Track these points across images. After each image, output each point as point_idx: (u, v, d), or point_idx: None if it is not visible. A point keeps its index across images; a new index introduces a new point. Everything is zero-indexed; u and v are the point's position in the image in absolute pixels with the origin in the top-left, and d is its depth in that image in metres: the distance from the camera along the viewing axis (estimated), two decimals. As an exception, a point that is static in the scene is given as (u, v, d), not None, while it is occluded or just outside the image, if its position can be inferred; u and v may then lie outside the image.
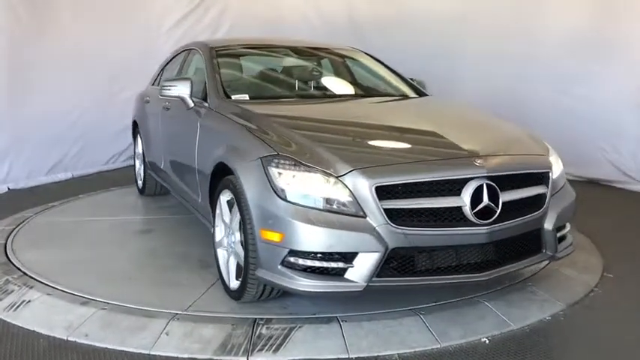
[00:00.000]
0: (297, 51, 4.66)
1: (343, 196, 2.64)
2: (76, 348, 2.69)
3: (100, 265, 3.65)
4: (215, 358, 2.61)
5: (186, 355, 2.62)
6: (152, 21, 6.97)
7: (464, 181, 2.72)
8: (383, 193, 2.64)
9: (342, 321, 2.87)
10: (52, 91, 6.03)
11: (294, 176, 2.70)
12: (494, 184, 2.74)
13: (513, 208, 2.85)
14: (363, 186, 2.63)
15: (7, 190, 5.56)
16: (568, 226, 3.25)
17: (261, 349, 2.65)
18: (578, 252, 3.89)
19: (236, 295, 3.03)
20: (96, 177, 6.40)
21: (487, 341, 2.78)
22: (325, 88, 4.36)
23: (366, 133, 3.25)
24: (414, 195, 2.69)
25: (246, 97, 3.78)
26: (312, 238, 2.62)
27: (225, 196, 3.14)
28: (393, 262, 2.68)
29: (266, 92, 4.23)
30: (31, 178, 5.87)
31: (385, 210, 2.62)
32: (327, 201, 2.65)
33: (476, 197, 2.70)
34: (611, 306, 3.18)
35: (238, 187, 2.89)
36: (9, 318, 2.95)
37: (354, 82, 4.52)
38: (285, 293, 2.99)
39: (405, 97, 4.20)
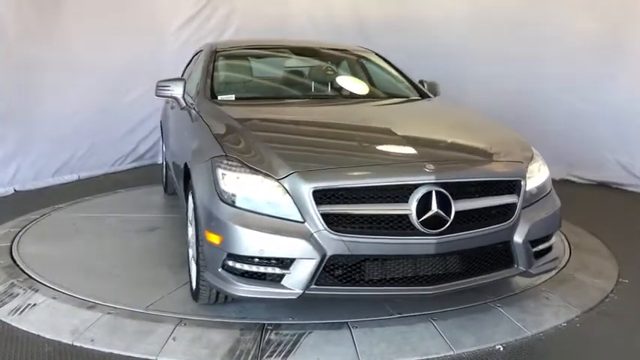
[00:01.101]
0: (300, 52, 4.64)
1: (282, 200, 2.56)
2: (82, 353, 2.64)
3: (89, 262, 3.67)
4: (223, 364, 2.56)
5: (193, 362, 2.57)
6: (160, 22, 6.94)
7: (413, 187, 2.56)
8: (321, 197, 2.53)
9: (353, 327, 2.81)
10: (59, 93, 6.00)
11: (237, 178, 2.65)
12: (445, 192, 2.56)
13: (472, 219, 2.67)
14: (301, 189, 2.53)
15: (13, 191, 5.53)
16: (552, 240, 3.04)
17: (270, 355, 2.60)
18: (592, 256, 3.85)
19: (194, 295, 3.01)
20: (102, 179, 6.37)
21: (502, 348, 2.71)
22: (319, 90, 4.31)
23: (331, 135, 3.19)
24: (356, 200, 2.56)
25: (232, 97, 3.75)
26: (248, 242, 2.55)
27: (190, 197, 3.12)
28: (336, 270, 2.58)
29: (255, 93, 4.21)
30: (38, 180, 5.84)
31: (323, 215, 2.52)
32: (267, 204, 2.58)
33: (424, 205, 2.53)
34: (628, 312, 3.10)
35: (193, 188, 2.91)
36: (14, 322, 2.91)
37: (352, 83, 4.45)
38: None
39: (404, 99, 4.12)
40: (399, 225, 2.56)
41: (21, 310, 3.02)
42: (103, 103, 6.40)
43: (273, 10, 7.07)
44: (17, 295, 3.18)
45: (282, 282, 2.57)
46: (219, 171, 2.69)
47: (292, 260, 2.53)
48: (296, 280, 2.54)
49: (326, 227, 2.51)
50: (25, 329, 2.84)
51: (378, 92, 4.33)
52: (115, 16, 6.44)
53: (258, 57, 4.68)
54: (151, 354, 2.61)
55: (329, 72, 4.51)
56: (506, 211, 2.78)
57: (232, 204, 2.62)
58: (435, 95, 4.22)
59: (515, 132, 3.36)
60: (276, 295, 2.60)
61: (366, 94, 4.27)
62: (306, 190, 2.52)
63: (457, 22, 6.48)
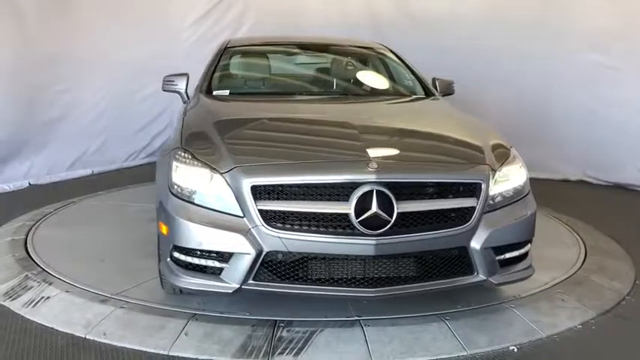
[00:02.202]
0: (308, 49, 4.65)
1: (225, 194, 2.58)
2: (95, 347, 2.65)
3: (103, 255, 3.68)
4: (235, 360, 2.55)
5: (205, 357, 2.56)
6: (174, 19, 6.94)
7: (355, 186, 2.50)
8: (259, 193, 2.54)
9: (365, 325, 2.80)
10: (74, 89, 6.03)
11: (187, 170, 2.71)
12: (387, 192, 2.49)
13: (421, 221, 2.58)
14: (241, 185, 2.54)
15: (28, 185, 5.57)
16: (524, 248, 2.86)
17: (281, 353, 2.59)
18: (608, 258, 3.80)
19: (161, 284, 3.06)
20: (115, 174, 6.40)
21: (515, 349, 2.68)
22: (316, 86, 4.34)
23: (295, 131, 3.22)
24: (295, 197, 2.55)
25: (226, 92, 3.85)
26: (189, 234, 2.60)
27: None
28: (275, 267, 2.58)
29: (251, 89, 4.24)
30: (52, 174, 5.87)
31: (261, 211, 2.52)
32: (211, 198, 2.61)
33: (365, 204, 2.47)
34: (645, 315, 3.06)
35: (155, 178, 3.01)
36: (28, 314, 2.92)
37: (351, 81, 4.43)
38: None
39: (402, 97, 4.08)
40: (339, 224, 2.51)
41: (35, 302, 3.03)
42: (117, 99, 6.42)
43: (287, 7, 7.05)
44: (31, 287, 3.20)
45: (221, 275, 2.59)
46: (174, 163, 2.76)
47: (231, 254, 2.55)
48: (233, 274, 2.56)
49: (263, 223, 2.52)
50: (38, 322, 2.85)
51: (377, 90, 4.28)
52: (130, 12, 6.46)
53: (264, 53, 4.69)
54: (163, 349, 2.61)
55: (333, 69, 4.53)
56: (464, 214, 2.64)
57: (179, 196, 2.68)
58: (450, 94, 4.17)
59: (497, 134, 3.16)
60: (215, 288, 2.62)
61: (363, 92, 4.24)
62: (246, 185, 2.54)
63: (473, 20, 6.41)
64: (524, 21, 6.23)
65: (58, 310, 2.96)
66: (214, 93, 3.81)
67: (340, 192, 2.52)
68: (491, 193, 2.70)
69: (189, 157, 2.74)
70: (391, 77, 4.40)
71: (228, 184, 2.57)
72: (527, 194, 2.93)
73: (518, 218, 2.79)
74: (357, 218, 2.47)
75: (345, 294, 2.62)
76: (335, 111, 3.60)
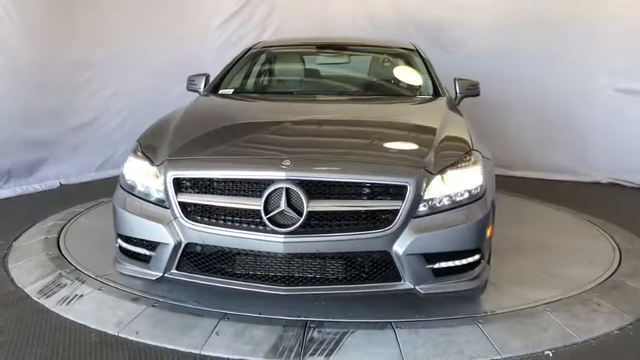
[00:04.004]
0: (329, 48, 4.69)
1: (157, 186, 2.70)
2: (127, 345, 2.67)
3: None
4: (266, 360, 2.55)
5: (237, 357, 2.56)
6: (201, 20, 6.98)
7: (268, 183, 2.51)
8: (181, 186, 2.63)
9: (397, 327, 2.77)
10: (103, 90, 6.11)
11: (134, 163, 2.87)
12: (297, 190, 2.47)
13: (337, 222, 2.52)
14: (167, 177, 2.66)
15: (59, 185, 5.67)
16: (471, 258, 2.66)
17: (313, 354, 2.57)
18: (645, 262, 3.70)
19: None
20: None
21: (550, 354, 2.63)
22: (320, 87, 4.41)
23: (248, 128, 3.27)
24: (212, 192, 2.61)
25: (230, 91, 4.01)
26: (123, 223, 2.79)
27: None
28: (198, 259, 2.64)
29: (257, 88, 4.33)
30: (82, 174, 5.96)
31: (180, 203, 2.61)
32: (146, 189, 2.75)
33: (276, 202, 2.48)
34: (685, 321, 2.97)
35: None
36: (62, 312, 2.96)
37: (357, 81, 4.44)
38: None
39: (405, 97, 4.05)
40: (251, 220, 2.54)
41: (68, 300, 3.07)
42: (145, 100, 6.48)
43: (314, 8, 7.05)
44: (65, 285, 3.24)
45: (150, 263, 2.72)
46: (129, 156, 2.93)
47: (157, 244, 2.66)
48: (158, 263, 2.67)
49: (181, 215, 2.60)
50: (72, 319, 2.89)
51: (380, 90, 4.26)
52: (158, 15, 6.52)
53: (284, 54, 4.75)
54: (195, 348, 2.62)
55: (338, 70, 4.58)
56: (387, 218, 2.53)
57: (124, 187, 2.88)
58: (474, 95, 4.08)
59: (466, 137, 2.96)
60: (143, 275, 2.75)
61: (362, 93, 4.20)
62: (169, 177, 2.65)
63: (500, 19, 6.32)
64: (551, 22, 6.13)
65: (90, 308, 3.00)
66: (220, 92, 4.01)
67: (255, 188, 2.55)
68: (427, 196, 2.57)
69: (139, 150, 2.92)
70: (402, 77, 4.38)
71: (160, 177, 2.69)
72: (478, 200, 2.67)
73: (454, 225, 2.59)
74: (266, 215, 2.48)
75: (260, 290, 2.61)
76: (310, 111, 3.64)
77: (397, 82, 4.40)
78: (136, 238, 2.75)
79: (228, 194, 2.59)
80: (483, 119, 6.16)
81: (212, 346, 2.63)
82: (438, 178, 2.61)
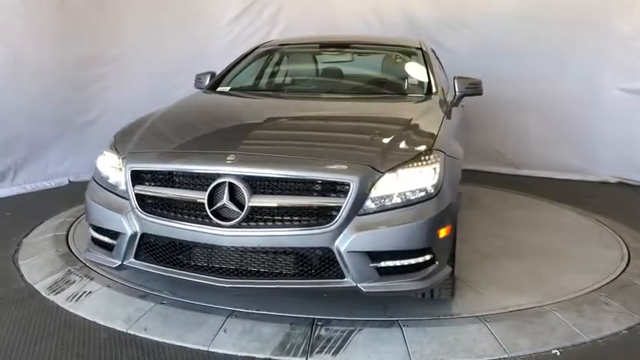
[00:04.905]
0: (332, 46, 4.72)
1: (120, 178, 2.80)
2: (136, 341, 2.69)
3: None
4: (274, 357, 2.56)
5: (244, 354, 2.58)
6: (209, 19, 6.99)
7: (215, 177, 2.56)
8: (137, 178, 2.74)
9: (404, 325, 2.77)
10: (112, 89, 6.13)
11: (106, 156, 2.97)
12: (239, 184, 2.50)
13: (280, 217, 2.52)
14: (127, 169, 2.76)
15: (67, 182, 5.71)
16: (421, 258, 2.59)
17: (320, 351, 2.59)
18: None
19: None
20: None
21: (558, 353, 2.63)
22: (311, 85, 4.47)
23: (217, 124, 3.34)
24: (165, 184, 2.70)
25: (227, 88, 4.11)
26: (90, 213, 2.94)
27: None
28: (153, 249, 2.72)
29: (248, 86, 4.36)
30: (91, 172, 5.93)
31: (137, 195, 2.70)
32: (112, 181, 2.87)
33: (220, 196, 2.53)
34: (694, 321, 2.95)
35: None
36: (71, 308, 2.99)
37: (355, 80, 4.44)
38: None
39: (394, 96, 4.01)
40: (198, 213, 2.59)
41: (77, 296, 3.10)
42: (154, 98, 6.49)
43: (321, 7, 7.04)
44: (74, 282, 3.27)
45: (112, 251, 2.81)
46: (104, 150, 3.02)
47: (118, 233, 2.76)
48: (118, 251, 2.77)
49: (137, 206, 2.69)
50: (81, 315, 2.91)
51: (371, 88, 4.26)
52: (166, 13, 6.54)
53: (287, 53, 4.75)
54: (203, 345, 2.64)
55: (335, 69, 4.57)
56: (330, 215, 2.50)
57: (96, 179, 3.00)
58: (477, 94, 4.01)
59: (428, 135, 2.88)
60: (105, 262, 2.87)
61: (352, 91, 4.20)
62: (128, 169, 2.75)
63: (510, 18, 6.29)
64: (562, 19, 6.09)
65: (99, 305, 3.03)
66: (218, 89, 4.10)
67: (203, 182, 2.60)
68: (374, 194, 2.54)
69: (112, 144, 3.02)
70: (395, 76, 4.37)
71: (124, 169, 2.78)
72: (429, 200, 2.59)
73: (400, 224, 2.53)
74: (210, 208, 2.52)
75: (205, 282, 2.62)
76: (286, 109, 3.69)
77: (388, 80, 4.39)
78: (102, 228, 2.87)
79: (178, 187, 2.68)
80: (490, 117, 6.18)
81: (220, 343, 2.64)
82: (387, 176, 2.57)
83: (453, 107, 3.77)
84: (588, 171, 6.17)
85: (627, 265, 3.62)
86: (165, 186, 2.70)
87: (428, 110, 3.38)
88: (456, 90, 3.85)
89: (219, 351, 2.60)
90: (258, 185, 2.53)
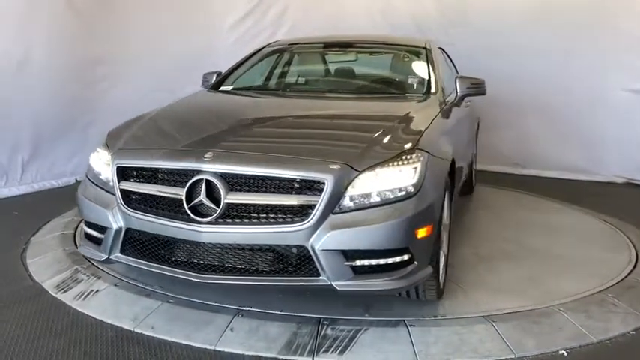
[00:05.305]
0: (333, 46, 4.75)
1: (109, 174, 2.86)
2: (143, 340, 2.70)
3: None
4: (280, 357, 2.56)
5: (251, 353, 2.58)
6: (214, 19, 7.02)
7: (194, 173, 2.60)
8: (122, 174, 2.80)
9: (410, 325, 2.77)
10: (118, 89, 6.15)
11: (99, 153, 3.04)
12: (215, 182, 2.53)
13: (256, 214, 2.54)
14: (113, 165, 2.83)
15: (75, 181, 5.73)
16: (397, 258, 2.56)
17: (326, 351, 2.59)
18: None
19: None
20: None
21: (565, 354, 2.62)
22: (312, 85, 4.51)
23: (206, 122, 3.39)
24: (148, 181, 2.76)
25: (229, 87, 4.17)
26: (82, 208, 2.99)
27: None
28: (137, 244, 2.78)
29: (251, 85, 4.38)
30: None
31: (122, 191, 2.76)
32: (102, 177, 2.93)
33: (198, 192, 2.56)
34: (702, 322, 2.94)
35: None
36: (79, 307, 3.00)
37: (353, 80, 4.44)
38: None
39: (391, 96, 4.00)
40: (178, 209, 2.63)
41: (85, 295, 3.12)
42: (159, 98, 6.51)
43: (327, 7, 7.05)
44: (81, 280, 3.29)
45: (101, 245, 2.87)
46: (98, 148, 3.08)
47: (105, 228, 2.82)
48: (105, 245, 2.83)
49: (121, 202, 2.75)
50: (89, 314, 2.93)
51: (368, 88, 4.25)
52: (171, 12, 6.57)
53: (290, 53, 4.75)
54: (209, 343, 2.64)
55: (337, 69, 4.60)
56: (305, 213, 2.50)
57: (88, 176, 3.06)
58: (480, 94, 3.99)
59: (416, 138, 2.81)
60: (94, 255, 2.95)
61: (349, 90, 4.19)
62: (114, 165, 2.82)
63: (518, 18, 6.27)
64: (569, 20, 6.07)
65: (107, 303, 3.04)
66: (221, 88, 4.16)
67: (182, 179, 2.64)
68: (350, 193, 2.53)
69: (105, 141, 3.08)
70: (395, 76, 4.37)
71: (111, 165, 2.85)
72: (408, 199, 2.56)
73: (375, 223, 2.50)
74: (188, 205, 2.56)
75: (184, 277, 2.65)
76: (278, 108, 3.72)
77: (387, 79, 4.38)
78: (92, 223, 2.94)
79: (160, 184, 2.73)
80: (495, 117, 6.17)
81: (226, 342, 2.65)
82: (365, 175, 2.56)
83: (454, 107, 3.76)
84: (595, 171, 6.15)
85: (635, 267, 3.61)
86: (148, 182, 2.76)
87: (421, 109, 3.37)
88: (458, 90, 3.84)
89: (226, 350, 2.61)
90: (234, 182, 2.56)
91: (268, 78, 4.60)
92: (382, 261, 2.55)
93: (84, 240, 3.04)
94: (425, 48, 4.33)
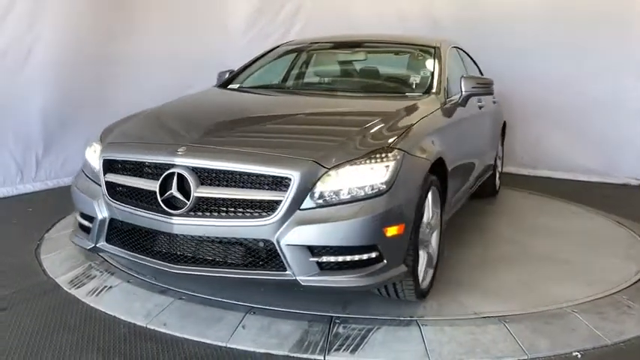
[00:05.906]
0: (344, 46, 4.75)
1: (98, 166, 2.98)
2: (155, 336, 2.71)
3: None
4: (292, 355, 2.56)
5: (262, 350, 2.58)
6: (228, 18, 7.06)
7: (168, 167, 2.67)
8: (108, 166, 2.92)
9: (422, 325, 2.76)
10: (131, 88, 6.15)
11: (93, 146, 3.13)
12: (186, 175, 2.60)
13: (225, 208, 2.58)
14: (100, 157, 2.96)
15: (87, 179, 5.78)
16: (365, 255, 2.54)
17: (338, 349, 2.58)
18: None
19: None
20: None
21: (579, 355, 2.60)
22: (315, 83, 4.53)
23: (198, 117, 3.43)
24: (129, 173, 2.86)
25: (236, 86, 4.22)
26: (74, 199, 3.12)
27: None
28: (120, 234, 2.87)
29: (257, 84, 4.38)
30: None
31: (107, 182, 2.89)
32: (94, 170, 3.03)
33: (170, 185, 2.63)
34: None
35: None
36: (92, 302, 3.03)
37: (356, 79, 4.46)
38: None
39: (392, 95, 3.95)
40: (153, 201, 2.71)
41: (98, 291, 3.14)
42: (172, 96, 6.55)
43: (340, 6, 7.05)
44: (95, 276, 3.31)
45: (89, 234, 2.98)
46: (93, 142, 3.17)
47: (93, 218, 2.94)
48: (92, 234, 2.95)
49: (106, 193, 2.88)
50: (102, 309, 2.95)
51: (369, 87, 4.23)
52: (185, 12, 6.60)
53: (300, 52, 4.75)
54: (221, 340, 2.65)
55: (345, 68, 4.61)
56: (272, 208, 2.53)
57: (82, 169, 3.19)
58: (488, 94, 3.99)
59: (396, 137, 2.81)
60: (82, 244, 3.04)
61: (356, 90, 4.19)
62: (101, 158, 2.95)
63: (532, 17, 6.23)
64: (584, 21, 6.03)
65: (120, 299, 3.06)
66: (229, 86, 4.22)
67: (158, 172, 2.72)
68: (318, 189, 2.54)
69: (100, 135, 3.19)
70: (399, 75, 4.36)
71: (100, 158, 2.98)
72: (377, 197, 2.56)
73: (342, 220, 2.50)
74: (161, 197, 2.64)
75: (159, 267, 2.72)
76: (270, 106, 3.79)
77: (388, 78, 4.37)
78: (82, 213, 3.05)
79: (139, 176, 2.82)
80: (509, 118, 6.13)
81: (238, 340, 2.66)
82: (334, 171, 2.57)
83: (458, 107, 3.73)
84: (608, 173, 6.10)
85: (649, 269, 3.58)
86: (130, 175, 2.86)
87: (413, 108, 3.33)
88: (463, 90, 3.81)
89: (238, 347, 2.61)
90: (205, 177, 2.62)
91: (275, 77, 4.62)
92: (349, 258, 2.54)
93: (77, 230, 3.14)
94: (434, 47, 4.26)
